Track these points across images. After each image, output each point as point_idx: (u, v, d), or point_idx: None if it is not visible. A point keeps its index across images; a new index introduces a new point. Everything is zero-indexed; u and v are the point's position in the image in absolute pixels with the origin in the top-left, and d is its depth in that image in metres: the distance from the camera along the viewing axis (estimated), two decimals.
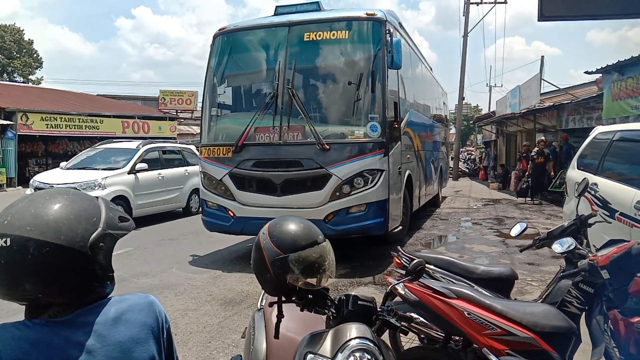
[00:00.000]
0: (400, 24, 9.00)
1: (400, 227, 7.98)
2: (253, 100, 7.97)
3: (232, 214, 7.25)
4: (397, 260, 3.30)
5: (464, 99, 29.09)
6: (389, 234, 7.60)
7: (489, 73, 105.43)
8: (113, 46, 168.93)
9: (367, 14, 7.12)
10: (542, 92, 18.77)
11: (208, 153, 7.55)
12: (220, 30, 7.94)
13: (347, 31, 7.24)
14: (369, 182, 6.80)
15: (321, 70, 7.68)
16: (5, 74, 46.29)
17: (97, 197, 1.30)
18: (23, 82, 44.37)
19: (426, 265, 2.48)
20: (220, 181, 7.35)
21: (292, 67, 7.07)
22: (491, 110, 34.28)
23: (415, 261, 1.96)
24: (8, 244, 1.10)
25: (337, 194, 6.78)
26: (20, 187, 22.66)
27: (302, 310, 1.75)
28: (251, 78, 8.11)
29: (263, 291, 2.48)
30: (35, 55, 49.45)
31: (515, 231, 3.66)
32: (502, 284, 3.17)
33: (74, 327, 1.16)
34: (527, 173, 15.46)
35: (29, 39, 48.87)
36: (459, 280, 3.07)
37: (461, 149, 40.52)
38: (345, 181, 6.74)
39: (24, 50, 48.00)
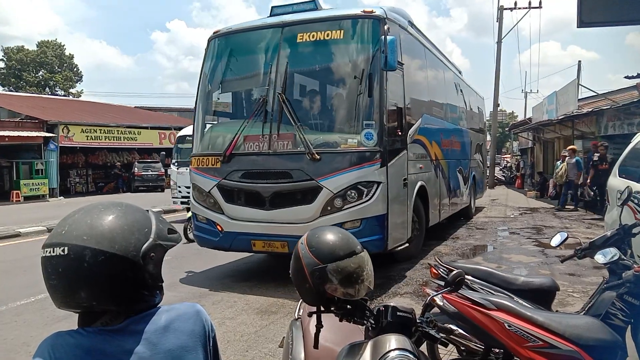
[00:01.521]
0: (410, 22, 8.47)
1: (407, 245, 7.27)
2: (245, 106, 7.58)
3: (220, 229, 6.85)
4: (435, 271, 3.27)
5: (498, 105, 28.71)
6: (397, 253, 7.06)
7: (524, 79, 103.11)
8: (149, 59, 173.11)
9: (364, 11, 6.57)
10: (579, 97, 18.34)
11: (197, 163, 7.15)
12: (214, 33, 7.55)
13: (342, 31, 6.66)
14: (364, 195, 6.21)
15: (314, 73, 7.21)
16: (47, 88, 47.97)
17: (147, 210, 1.36)
18: (64, 96, 45.93)
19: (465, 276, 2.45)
20: (208, 193, 6.95)
21: (284, 70, 6.64)
22: (527, 116, 33.68)
23: (454, 272, 1.94)
24: (66, 252, 1.16)
25: (329, 208, 6.24)
26: (62, 197, 23.39)
27: (340, 320, 1.75)
28: (243, 83, 7.68)
29: (300, 300, 2.50)
30: (75, 69, 51.10)
31: (555, 241, 3.57)
32: (542, 296, 3.11)
33: (125, 335, 1.20)
34: (588, 182, 13.82)
35: (70, 54, 50.62)
36: (498, 292, 3.02)
37: (502, 156, 40.03)
38: (337, 194, 6.19)
39: (64, 65, 49.69)
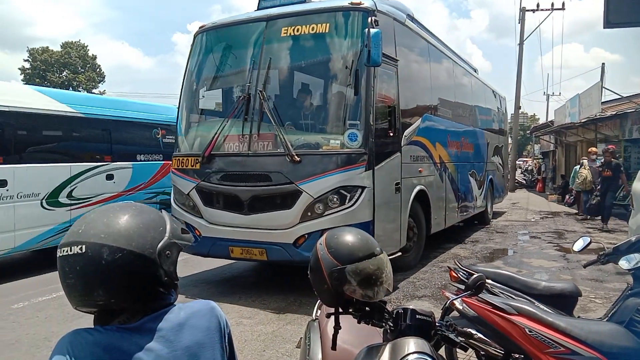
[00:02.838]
0: (410, 15, 8.01)
1: (400, 254, 6.83)
2: (226, 105, 7.07)
3: (198, 233, 6.49)
4: (454, 274, 3.23)
5: (520, 108, 28.37)
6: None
7: (546, 81, 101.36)
8: (170, 60, 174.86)
9: (351, 3, 6.14)
10: (603, 100, 18.05)
11: (177, 164, 6.85)
12: (200, 27, 7.23)
13: (328, 24, 6.24)
14: (347, 200, 5.79)
15: (298, 69, 6.76)
16: (71, 88, 48.70)
17: (161, 210, 1.38)
18: None
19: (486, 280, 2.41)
20: (187, 196, 6.62)
21: (267, 67, 6.32)
22: (549, 119, 33.28)
23: (475, 276, 1.92)
24: (83, 250, 1.17)
25: (309, 213, 5.82)
26: None
27: (359, 322, 1.74)
28: (226, 80, 7.24)
29: (318, 301, 2.49)
30: (98, 69, 51.78)
31: (578, 246, 3.51)
32: (564, 301, 3.05)
33: (142, 333, 1.21)
34: (598, 188, 13.13)
35: (93, 55, 51.26)
36: (519, 296, 2.98)
37: (524, 159, 39.63)
38: (318, 199, 5.79)
39: (87, 65, 50.36)
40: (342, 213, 5.79)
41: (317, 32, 6.29)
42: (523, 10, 26.78)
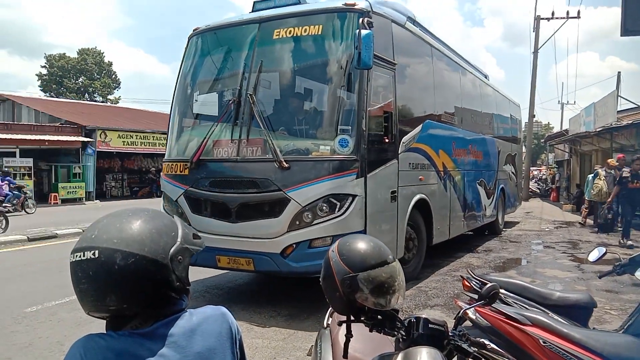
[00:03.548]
0: (410, 18, 7.75)
1: None
2: (217, 109, 6.84)
3: None
4: (467, 283, 3.20)
5: (534, 116, 28.21)
6: None
7: (560, 90, 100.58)
8: None
9: (346, 4, 5.95)
10: (619, 109, 17.86)
11: (167, 170, 6.67)
12: (194, 30, 7.08)
13: (320, 26, 6.04)
14: (337, 209, 5.53)
15: (290, 73, 6.46)
16: (86, 94, 49.34)
17: (173, 216, 1.38)
18: (102, 102, 47.15)
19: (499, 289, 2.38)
20: (176, 202, 6.43)
21: (258, 70, 6.12)
22: (563, 128, 33.02)
23: (489, 285, 1.90)
24: (96, 255, 1.17)
25: (297, 222, 5.57)
26: (97, 200, 23.95)
27: (371, 330, 1.73)
28: (218, 84, 7.02)
29: (329, 309, 2.48)
30: (114, 76, 52.43)
31: (593, 256, 3.47)
32: (579, 312, 3.01)
33: (154, 339, 1.21)
34: (608, 200, 12.54)
35: (109, 61, 51.97)
36: (533, 307, 2.94)
37: (537, 168, 39.37)
38: (307, 207, 5.54)
39: (103, 72, 51.04)
40: (332, 222, 5.55)
41: (310, 34, 6.10)
42: (538, 19, 26.71)
